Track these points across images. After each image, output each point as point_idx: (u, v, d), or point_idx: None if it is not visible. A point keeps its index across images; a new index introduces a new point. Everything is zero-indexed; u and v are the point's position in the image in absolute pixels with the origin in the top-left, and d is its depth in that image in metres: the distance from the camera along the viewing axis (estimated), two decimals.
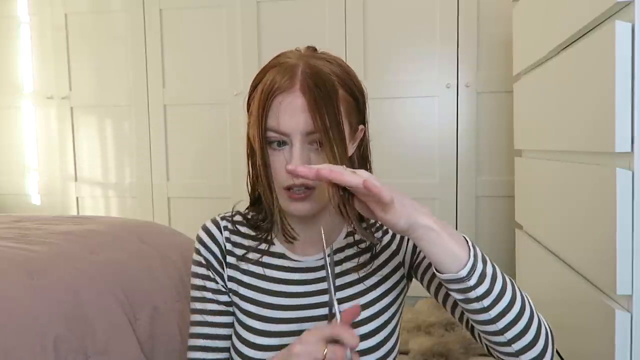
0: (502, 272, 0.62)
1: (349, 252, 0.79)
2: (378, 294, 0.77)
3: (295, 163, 0.68)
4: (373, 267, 0.78)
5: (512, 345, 0.62)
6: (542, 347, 0.63)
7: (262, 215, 0.81)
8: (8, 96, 2.75)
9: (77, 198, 2.73)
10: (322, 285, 0.77)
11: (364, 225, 0.79)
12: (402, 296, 0.81)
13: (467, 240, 0.60)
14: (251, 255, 0.80)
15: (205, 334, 0.79)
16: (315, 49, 0.76)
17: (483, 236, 2.34)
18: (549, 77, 1.23)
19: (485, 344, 0.67)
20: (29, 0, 2.68)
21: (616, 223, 0.82)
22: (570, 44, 1.09)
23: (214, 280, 0.80)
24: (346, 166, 0.68)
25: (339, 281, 0.78)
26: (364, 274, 0.78)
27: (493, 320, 0.60)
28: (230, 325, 0.80)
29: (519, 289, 0.63)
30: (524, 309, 0.62)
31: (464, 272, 0.58)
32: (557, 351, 1.20)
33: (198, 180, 2.59)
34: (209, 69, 2.54)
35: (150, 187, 2.64)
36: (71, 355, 0.86)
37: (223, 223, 0.82)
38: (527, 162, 1.47)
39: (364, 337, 0.75)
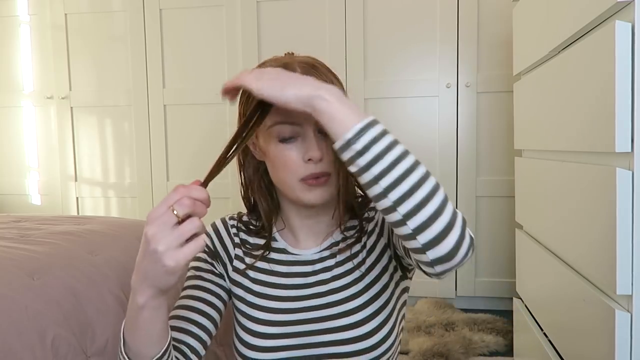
0: (413, 157, 0.58)
1: (343, 244, 0.83)
2: (372, 278, 0.81)
3: (314, 151, 0.72)
4: (364, 255, 0.82)
5: (417, 236, 0.57)
6: (452, 245, 0.58)
7: (261, 222, 0.86)
8: (8, 96, 2.75)
9: (77, 198, 2.73)
10: (318, 277, 0.82)
11: (356, 223, 0.84)
12: (394, 279, 0.83)
13: (372, 118, 0.58)
14: (256, 252, 0.85)
15: (186, 306, 0.81)
16: (293, 54, 0.82)
17: (483, 236, 2.34)
18: (549, 77, 1.23)
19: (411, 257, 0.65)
20: (29, 0, 2.68)
21: (616, 223, 0.82)
22: (570, 44, 1.09)
23: (216, 266, 0.86)
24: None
25: (338, 270, 0.82)
26: (357, 261, 0.82)
27: (384, 193, 0.57)
28: (209, 319, 0.81)
29: (436, 182, 0.59)
30: (428, 187, 0.57)
31: (349, 135, 0.57)
32: (557, 351, 1.20)
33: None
34: (209, 69, 2.54)
35: (150, 187, 2.64)
36: (71, 355, 0.86)
37: (231, 222, 0.89)
38: (527, 162, 1.47)
39: (360, 324, 0.78)
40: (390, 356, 0.80)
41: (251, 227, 0.88)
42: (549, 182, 1.23)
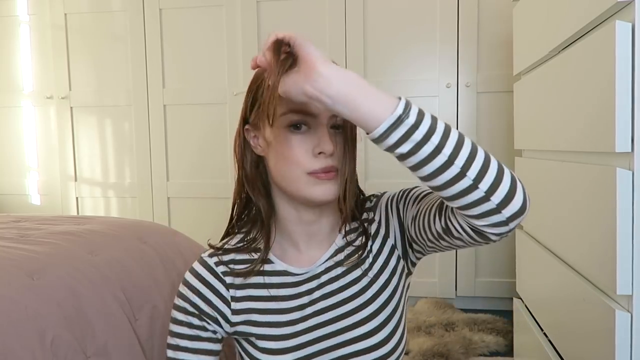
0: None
1: (348, 250, 0.80)
2: (381, 284, 0.79)
3: (327, 144, 0.69)
4: (371, 260, 0.79)
5: (491, 197, 0.56)
6: (522, 195, 0.58)
7: (256, 230, 0.80)
8: (8, 96, 2.75)
9: (77, 198, 2.73)
10: (323, 291, 0.78)
11: (355, 225, 0.81)
12: (402, 280, 0.81)
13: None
14: (253, 280, 0.79)
15: None
16: None
17: None
18: (549, 77, 1.23)
19: (469, 225, 0.62)
20: (28, 0, 2.67)
21: (616, 223, 0.82)
22: (570, 44, 1.09)
23: (207, 328, 0.79)
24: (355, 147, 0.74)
25: (345, 279, 0.78)
26: (365, 267, 0.79)
27: (451, 160, 0.56)
28: None
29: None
30: (483, 152, 0.58)
31: (400, 110, 0.56)
32: (557, 351, 1.20)
33: (198, 180, 2.59)
34: (208, 69, 2.54)
35: (150, 187, 2.64)
36: (70, 355, 0.86)
37: (213, 260, 0.80)
38: (527, 162, 1.47)
39: (373, 332, 0.76)
40: (401, 358, 0.80)
41: (242, 246, 0.80)
42: (549, 182, 1.23)
